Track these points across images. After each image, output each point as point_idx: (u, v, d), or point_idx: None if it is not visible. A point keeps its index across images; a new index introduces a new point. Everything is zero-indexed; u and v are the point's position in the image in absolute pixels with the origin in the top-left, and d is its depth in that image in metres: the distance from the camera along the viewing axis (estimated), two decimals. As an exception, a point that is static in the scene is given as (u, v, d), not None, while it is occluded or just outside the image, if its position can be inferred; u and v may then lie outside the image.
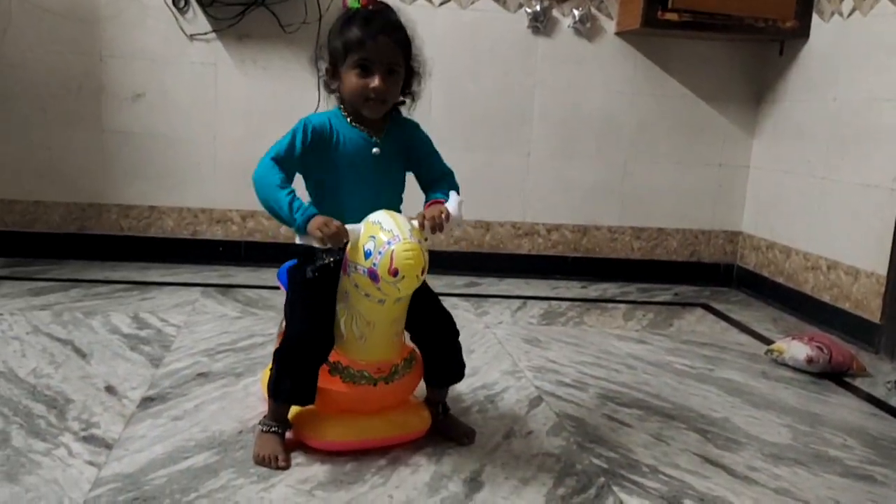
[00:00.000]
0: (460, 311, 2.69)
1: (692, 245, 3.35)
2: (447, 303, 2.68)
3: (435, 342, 1.63)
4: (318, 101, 2.83)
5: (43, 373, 1.88)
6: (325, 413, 1.57)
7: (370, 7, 1.52)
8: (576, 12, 3.09)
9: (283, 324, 1.68)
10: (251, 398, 1.81)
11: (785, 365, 2.32)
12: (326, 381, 1.53)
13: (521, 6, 3.08)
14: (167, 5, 2.89)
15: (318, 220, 1.40)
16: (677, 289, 3.27)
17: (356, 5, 1.53)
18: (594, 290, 3.17)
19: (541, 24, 3.09)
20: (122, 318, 2.35)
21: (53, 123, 2.93)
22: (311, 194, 1.59)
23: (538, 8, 3.07)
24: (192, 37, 2.94)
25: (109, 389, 1.81)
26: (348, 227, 1.42)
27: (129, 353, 2.06)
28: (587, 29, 3.11)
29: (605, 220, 3.30)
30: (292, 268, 1.62)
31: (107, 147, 2.97)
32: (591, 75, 3.16)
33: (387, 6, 1.56)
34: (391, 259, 1.36)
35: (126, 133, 2.97)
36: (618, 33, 3.14)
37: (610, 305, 2.94)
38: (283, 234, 3.03)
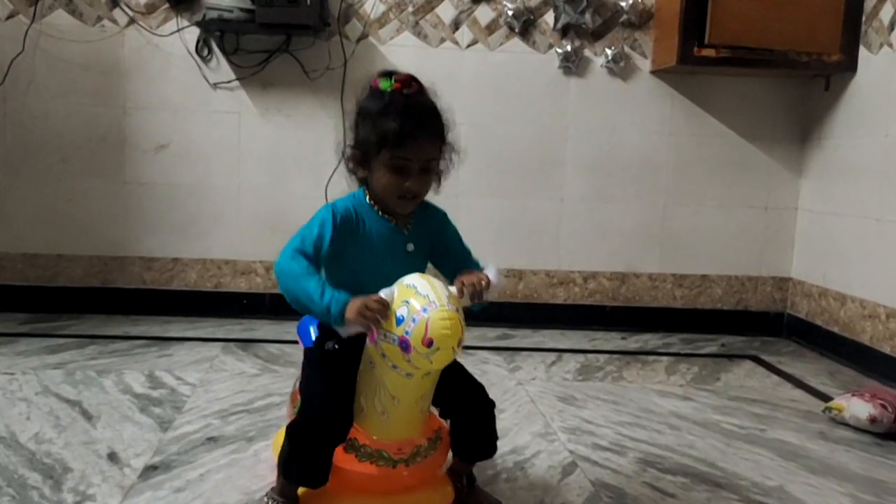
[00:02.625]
0: (491, 367, 2.55)
1: (738, 292, 3.17)
2: (478, 357, 2.56)
3: (466, 417, 1.48)
4: (344, 147, 2.76)
5: (45, 437, 1.78)
6: (338, 491, 1.42)
7: (404, 91, 1.36)
8: (609, 51, 2.98)
9: (297, 384, 1.55)
10: (261, 466, 1.68)
11: (845, 424, 2.12)
12: (340, 458, 1.38)
13: (551, 46, 2.98)
14: (190, 54, 2.86)
15: (355, 305, 1.26)
16: (723, 339, 3.07)
17: (388, 86, 1.36)
18: (634, 341, 2.99)
19: (572, 64, 2.98)
20: (136, 376, 2.26)
21: (76, 175, 2.89)
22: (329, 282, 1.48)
23: (569, 48, 2.97)
24: (215, 85, 2.89)
25: (112, 457, 1.70)
26: (383, 293, 1.29)
27: (138, 416, 1.95)
28: (621, 68, 3.00)
29: (644, 267, 3.14)
30: (310, 346, 1.51)
31: (129, 198, 2.92)
32: (626, 116, 3.04)
33: (420, 86, 1.39)
34: (426, 328, 1.22)
35: (149, 184, 2.92)
36: (653, 72, 3.02)
37: (651, 358, 2.77)
38: (309, 285, 2.93)
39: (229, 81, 2.89)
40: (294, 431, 1.36)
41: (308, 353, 1.50)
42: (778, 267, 3.17)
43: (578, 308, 3.12)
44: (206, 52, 2.87)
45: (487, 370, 2.51)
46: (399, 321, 1.25)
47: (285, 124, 2.93)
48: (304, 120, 2.92)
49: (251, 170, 2.94)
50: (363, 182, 1.45)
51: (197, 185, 2.93)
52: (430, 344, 1.22)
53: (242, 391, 2.18)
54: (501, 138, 3.01)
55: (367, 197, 1.44)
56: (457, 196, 2.99)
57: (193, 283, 2.98)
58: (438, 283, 1.29)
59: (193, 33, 2.85)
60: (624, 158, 3.06)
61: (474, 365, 2.53)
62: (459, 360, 1.41)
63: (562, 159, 3.04)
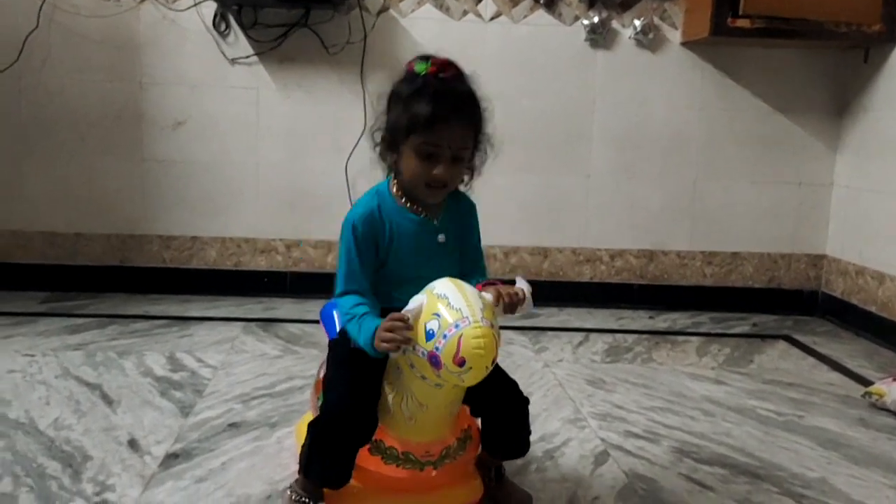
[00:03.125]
0: (517, 347, 2.49)
1: (771, 270, 3.08)
2: (503, 337, 2.50)
3: (498, 416, 1.41)
4: (365, 123, 2.69)
5: (65, 424, 1.75)
6: (363, 490, 1.36)
7: (440, 74, 1.28)
8: (637, 22, 2.88)
9: (321, 372, 1.50)
10: (284, 454, 1.64)
11: (886, 410, 2.04)
12: (365, 460, 1.33)
13: (577, 18, 2.88)
14: (207, 29, 2.79)
15: (379, 337, 1.21)
16: (755, 318, 2.99)
17: (423, 69, 1.29)
18: (663, 320, 2.92)
19: (599, 36, 2.88)
20: (157, 358, 2.22)
21: (93, 152, 2.84)
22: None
23: (596, 19, 2.86)
24: (233, 61, 2.82)
25: (132, 444, 1.66)
26: (409, 307, 1.21)
27: (159, 400, 1.92)
28: (650, 40, 2.89)
29: (673, 245, 3.05)
30: (333, 340, 1.44)
31: (147, 176, 2.87)
32: (655, 89, 2.94)
33: (459, 72, 1.32)
34: (458, 346, 1.13)
35: (166, 161, 2.86)
36: (683, 43, 2.91)
37: (681, 338, 2.69)
38: (330, 263, 2.88)
39: (247, 56, 2.82)
40: (315, 432, 1.30)
41: (333, 346, 1.43)
42: (812, 244, 3.07)
43: (605, 286, 3.05)
44: (223, 26, 2.79)
45: (513, 351, 2.45)
46: (429, 336, 1.17)
47: (304, 100, 2.86)
48: (324, 95, 2.85)
49: (270, 146, 2.87)
50: (392, 169, 1.38)
51: (215, 163, 2.88)
52: (462, 363, 1.14)
53: (264, 374, 2.13)
54: (526, 112, 2.92)
55: (394, 188, 1.37)
56: (481, 172, 2.92)
57: (213, 261, 2.94)
58: (472, 292, 1.21)
59: (210, 7, 2.77)
60: (652, 133, 2.96)
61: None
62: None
63: (588, 133, 2.95)
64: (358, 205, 1.37)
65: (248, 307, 2.81)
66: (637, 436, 1.84)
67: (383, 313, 1.24)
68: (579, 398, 2.07)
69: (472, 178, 1.42)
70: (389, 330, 1.20)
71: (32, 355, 2.20)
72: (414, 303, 1.21)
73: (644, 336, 2.70)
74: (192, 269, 2.93)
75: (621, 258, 3.04)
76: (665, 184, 3.00)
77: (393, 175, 1.38)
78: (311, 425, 1.32)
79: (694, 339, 2.70)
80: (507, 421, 1.42)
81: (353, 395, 1.30)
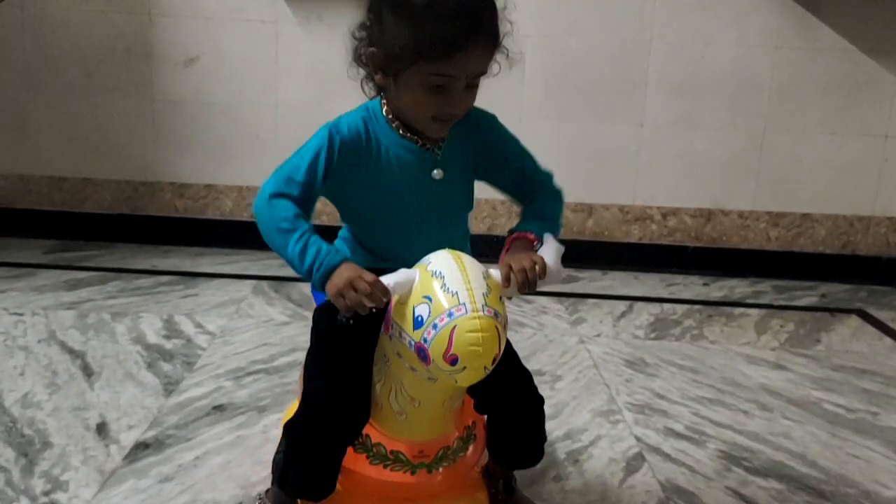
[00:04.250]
0: (550, 318, 2.24)
1: (846, 234, 2.74)
2: (536, 305, 2.25)
3: (507, 416, 1.16)
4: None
5: (34, 400, 1.58)
6: (346, 497, 1.15)
7: None
8: (705, -52, 2.51)
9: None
10: (267, 447, 1.43)
11: (980, 412, 1.75)
12: (349, 459, 1.10)
13: (635, -57, 2.53)
14: (221, -45, 2.53)
15: (340, 277, 0.95)
16: (825, 288, 2.67)
17: None
18: (718, 288, 2.62)
19: (661, -36, 2.53)
20: (152, 321, 2.03)
21: (100, 90, 2.63)
22: (346, 227, 1.16)
23: (658, -56, 2.51)
24: (250, -9, 2.56)
25: (100, 429, 1.48)
26: (392, 277, 0.96)
27: (144, 374, 1.73)
28: (719, -31, 2.53)
29: (734, 204, 2.73)
30: (319, 307, 1.16)
31: (158, 117, 2.65)
32: (721, 27, 2.57)
33: None
34: (450, 340, 0.90)
35: (179, 101, 2.64)
36: (758, -27, 2.53)
37: (738, 311, 2.40)
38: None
39: (264, -15, 2.56)
40: (293, 435, 1.08)
41: (316, 318, 1.16)
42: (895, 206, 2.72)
43: (655, 248, 2.76)
44: (238, -49, 2.53)
45: (545, 322, 2.20)
46: (417, 323, 0.93)
47: (328, 36, 2.57)
48: (349, 29, 2.57)
49: (290, 86, 2.62)
50: (381, 90, 1.10)
51: (231, 104, 2.64)
52: (454, 361, 0.90)
53: (265, 344, 1.93)
54: (573, 53, 2.60)
55: (385, 110, 1.08)
56: (520, 119, 2.62)
57: (229, 211, 2.73)
58: (475, 269, 0.96)
59: (223, -71, 2.51)
60: (717, 77, 2.61)
61: (531, 316, 2.23)
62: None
63: (643, 78, 2.62)
64: (345, 115, 1.09)
65: (265, 262, 2.59)
66: (679, 435, 1.59)
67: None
68: (615, 384, 1.82)
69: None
70: (352, 287, 0.93)
71: (21, 314, 2.03)
72: (402, 275, 0.97)
73: (696, 307, 2.42)
74: (207, 219, 2.73)
75: (675, 217, 2.74)
76: (729, 135, 2.67)
77: (382, 97, 1.10)
78: (287, 427, 1.10)
79: (753, 311, 2.40)
80: (517, 424, 1.17)
81: (336, 389, 1.06)
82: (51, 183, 2.72)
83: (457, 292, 0.92)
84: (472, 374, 0.92)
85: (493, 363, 0.92)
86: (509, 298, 1.00)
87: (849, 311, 2.45)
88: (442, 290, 0.93)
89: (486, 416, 1.20)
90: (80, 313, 2.06)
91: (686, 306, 2.42)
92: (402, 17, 0.99)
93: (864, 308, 2.49)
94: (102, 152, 2.69)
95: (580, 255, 2.72)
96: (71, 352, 1.82)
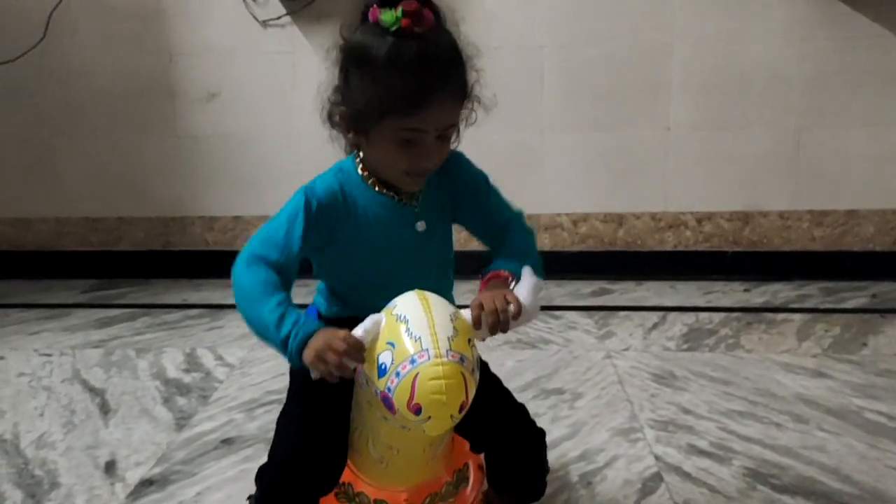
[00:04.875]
0: (578, 333, 2.17)
1: None
2: (564, 321, 2.18)
3: (504, 455, 1.10)
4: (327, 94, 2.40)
5: (48, 440, 1.60)
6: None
7: (416, 29, 0.93)
8: (722, -58, 2.43)
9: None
10: (270, 481, 1.41)
11: None
12: None
13: (649, -57, 2.46)
14: (235, -10, 2.56)
15: (316, 343, 0.88)
16: (876, 288, 2.52)
17: (392, 21, 0.93)
18: (760, 293, 2.51)
19: (676, -38, 2.45)
20: (174, 355, 2.05)
21: (126, 130, 2.69)
22: (323, 283, 1.12)
23: (672, -58, 2.44)
24: (265, 23, 2.58)
25: (109, 467, 1.49)
26: (361, 327, 0.91)
27: (158, 409, 1.74)
28: (739, -38, 2.44)
29: (773, 204, 2.61)
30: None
31: (183, 153, 2.70)
32: (744, 23, 2.47)
33: (436, 18, 0.97)
34: (412, 388, 0.85)
35: (201, 137, 2.68)
36: (781, -37, 2.43)
37: (780, 317, 2.28)
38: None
39: (279, 17, 2.57)
40: (263, 483, 1.04)
41: (292, 373, 1.12)
42: (948, 197, 2.56)
43: (692, 255, 2.66)
44: (251, -15, 2.56)
45: (572, 338, 2.13)
46: (381, 371, 0.88)
47: (344, 61, 2.59)
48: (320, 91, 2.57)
49: (309, 115, 2.60)
50: (355, 147, 1.07)
51: (252, 136, 2.67)
52: (417, 411, 0.85)
53: (281, 374, 1.92)
54: (592, 60, 2.53)
55: (360, 167, 1.06)
56: (541, 130, 2.58)
57: (257, 242, 2.75)
58: (442, 311, 0.91)
59: (236, -35, 2.55)
60: (743, 75, 2.51)
61: (557, 332, 2.16)
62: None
63: (666, 80, 2.54)
64: (318, 178, 1.06)
65: (293, 290, 2.60)
66: (702, 452, 1.50)
67: (351, 323, 0.96)
68: (639, 399, 1.74)
69: (457, 134, 1.06)
70: (330, 349, 0.88)
71: (49, 355, 2.08)
72: (370, 321, 0.93)
73: (734, 315, 2.31)
74: (236, 251, 2.73)
75: (710, 222, 2.63)
76: (761, 133, 2.56)
77: (356, 153, 1.09)
78: (258, 473, 1.07)
79: (796, 316, 2.28)
80: (516, 462, 1.11)
81: (308, 434, 1.02)
82: (86, 224, 2.79)
83: (420, 337, 0.87)
84: (439, 423, 0.87)
85: (460, 411, 0.87)
86: (482, 340, 0.95)
87: (901, 312, 2.31)
88: (406, 334, 0.88)
89: (482, 455, 1.15)
90: (106, 351, 2.10)
91: (723, 314, 2.31)
92: (367, 74, 0.97)
93: (919, 307, 2.34)
94: (133, 191, 2.75)
95: (612, 266, 2.64)
96: (91, 390, 1.85)
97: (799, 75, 2.50)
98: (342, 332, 0.89)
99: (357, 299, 1.07)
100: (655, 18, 2.50)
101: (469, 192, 1.10)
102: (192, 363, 2.00)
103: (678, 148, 2.58)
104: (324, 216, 1.01)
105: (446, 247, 1.11)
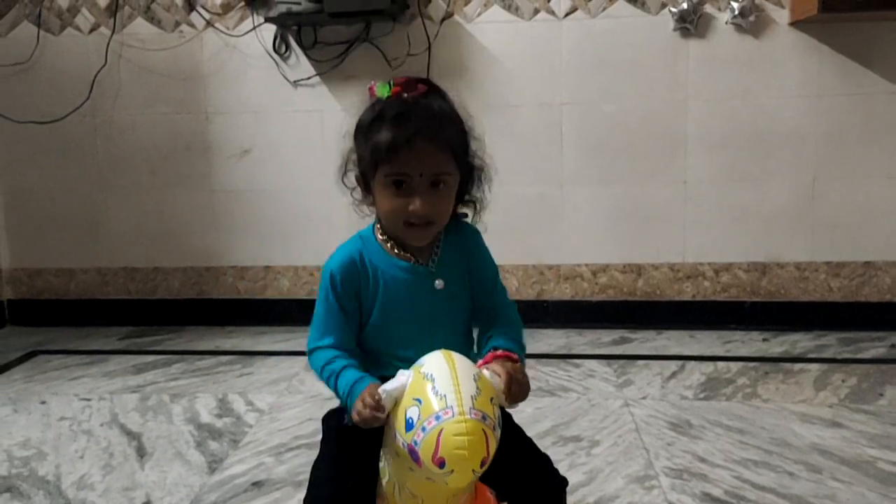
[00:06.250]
0: (596, 381, 2.22)
1: (912, 281, 2.63)
2: (583, 369, 2.24)
3: (527, 503, 1.15)
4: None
5: (88, 482, 1.68)
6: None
7: (404, 94, 1.08)
8: (735, 4, 2.52)
9: None
10: (297, 523, 1.48)
11: None
12: None
13: (664, 6, 2.56)
14: (268, 53, 2.70)
15: (356, 403, 1.02)
16: (895, 338, 2.55)
17: (385, 92, 1.09)
18: (779, 343, 2.54)
19: (691, 24, 2.55)
20: (207, 401, 2.14)
21: (165, 186, 2.83)
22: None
23: (685, 5, 2.54)
24: (295, 83, 2.72)
25: (144, 508, 1.57)
26: (389, 385, 1.00)
27: (192, 453, 1.82)
28: (751, 23, 2.53)
29: (790, 256, 2.66)
30: (328, 412, 1.21)
31: (218, 207, 2.82)
32: (761, 79, 2.57)
33: (430, 89, 1.12)
34: (437, 442, 0.92)
35: (235, 191, 2.81)
36: (792, 23, 2.52)
37: (797, 367, 2.32)
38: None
39: (309, 78, 2.71)
40: None
41: (325, 421, 1.20)
42: (964, 249, 2.59)
43: (710, 305, 2.71)
44: (283, 48, 2.70)
45: (590, 386, 2.18)
46: (409, 426, 0.95)
47: (372, 118, 2.71)
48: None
49: (336, 170, 2.74)
50: (371, 206, 1.17)
51: (283, 190, 2.79)
52: (441, 464, 0.92)
53: (310, 419, 1.99)
54: (609, 117, 2.63)
55: (378, 232, 1.16)
56: (561, 185, 2.67)
57: (287, 290, 2.85)
58: (466, 370, 0.98)
59: (270, 30, 2.69)
60: (759, 129, 2.59)
61: (577, 380, 2.22)
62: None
63: (682, 135, 2.62)
64: (337, 251, 1.18)
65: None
66: (715, 500, 1.55)
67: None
68: (655, 447, 1.79)
69: (476, 211, 1.21)
70: (362, 402, 0.99)
71: (89, 399, 2.17)
72: (397, 380, 1.00)
73: (752, 364, 2.35)
74: (266, 299, 2.86)
75: (728, 273, 2.69)
76: (777, 186, 2.62)
77: (376, 222, 1.19)
78: None
79: (813, 366, 2.32)
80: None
81: (339, 483, 1.10)
82: (125, 274, 2.91)
83: (445, 395, 0.94)
84: (461, 477, 0.93)
85: (481, 466, 0.93)
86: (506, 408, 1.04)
87: (920, 362, 2.34)
88: (432, 392, 0.95)
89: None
90: (142, 396, 2.19)
91: (741, 364, 2.35)
92: (362, 134, 1.11)
93: (938, 357, 2.36)
94: (169, 242, 2.87)
95: (632, 315, 2.70)
96: (129, 433, 1.94)
97: (814, 130, 2.57)
98: (372, 388, 1.00)
99: (384, 357, 1.15)
100: (671, 78, 2.60)
101: (478, 270, 1.20)
102: (224, 408, 2.09)
103: (695, 200, 2.65)
104: (346, 285, 1.12)
105: (464, 304, 1.19)
